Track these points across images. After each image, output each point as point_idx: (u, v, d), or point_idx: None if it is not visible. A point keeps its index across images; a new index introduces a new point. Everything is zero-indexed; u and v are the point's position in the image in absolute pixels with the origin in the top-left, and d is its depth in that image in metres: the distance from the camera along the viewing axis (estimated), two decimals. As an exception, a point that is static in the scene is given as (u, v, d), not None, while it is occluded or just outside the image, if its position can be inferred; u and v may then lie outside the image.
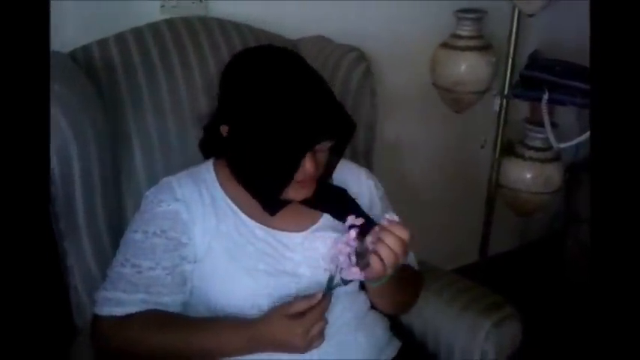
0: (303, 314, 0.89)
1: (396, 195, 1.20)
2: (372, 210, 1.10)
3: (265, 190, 0.96)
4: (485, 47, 1.79)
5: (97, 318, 0.98)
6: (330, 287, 0.92)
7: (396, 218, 0.91)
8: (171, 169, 1.15)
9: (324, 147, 0.95)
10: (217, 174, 1.03)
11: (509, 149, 1.93)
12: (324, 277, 0.93)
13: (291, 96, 0.90)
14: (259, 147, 0.91)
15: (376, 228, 0.90)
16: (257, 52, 0.97)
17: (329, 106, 0.92)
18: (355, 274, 0.88)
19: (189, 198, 0.99)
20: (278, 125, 0.89)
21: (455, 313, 1.17)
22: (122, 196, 1.19)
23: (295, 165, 0.92)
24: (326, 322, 0.92)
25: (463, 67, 1.76)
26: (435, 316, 1.18)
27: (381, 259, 0.87)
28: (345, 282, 0.91)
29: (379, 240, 0.88)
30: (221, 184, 1.02)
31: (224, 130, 0.97)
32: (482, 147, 1.90)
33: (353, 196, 1.08)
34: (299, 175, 0.94)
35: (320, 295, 0.91)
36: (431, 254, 1.28)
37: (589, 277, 0.74)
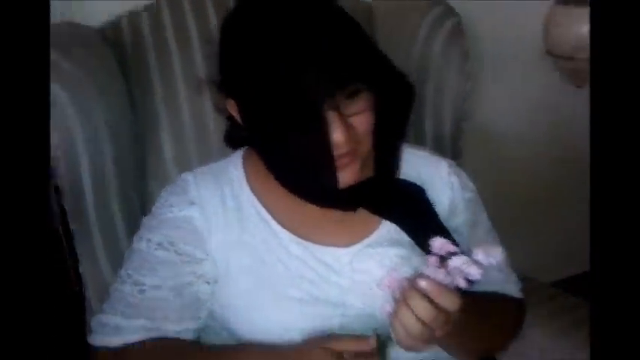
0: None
1: (485, 189, 0.95)
2: (452, 218, 0.83)
3: (315, 173, 0.71)
4: (616, 2, 1.45)
5: (92, 349, 0.80)
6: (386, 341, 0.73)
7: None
8: (206, 155, 1.00)
9: (355, 107, 0.71)
10: (246, 171, 0.82)
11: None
12: (377, 311, 0.72)
13: (296, 36, 0.68)
14: (275, 109, 0.69)
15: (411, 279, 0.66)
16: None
17: (344, 42, 0.69)
18: None
19: (207, 201, 0.80)
20: (285, 76, 0.67)
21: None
22: (148, 189, 1.02)
23: (318, 119, 0.68)
24: None
25: (586, 28, 1.47)
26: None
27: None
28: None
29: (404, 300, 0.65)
30: (250, 184, 0.81)
31: (230, 105, 0.77)
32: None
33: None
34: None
35: (374, 343, 0.72)
36: (530, 263, 1.05)
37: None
